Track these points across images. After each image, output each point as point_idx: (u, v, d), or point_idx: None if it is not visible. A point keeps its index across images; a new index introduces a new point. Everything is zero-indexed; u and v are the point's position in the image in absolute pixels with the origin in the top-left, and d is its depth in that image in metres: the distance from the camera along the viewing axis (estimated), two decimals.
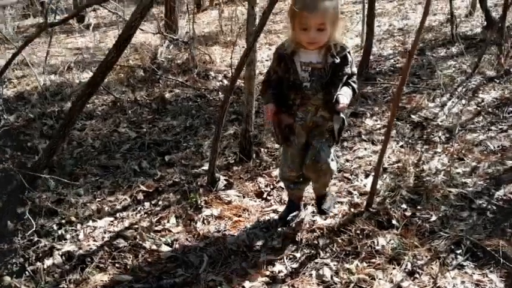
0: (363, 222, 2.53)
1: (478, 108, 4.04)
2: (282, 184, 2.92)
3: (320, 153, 2.25)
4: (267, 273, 2.24)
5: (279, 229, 2.54)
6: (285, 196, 2.79)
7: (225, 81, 5.18)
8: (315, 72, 2.12)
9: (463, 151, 3.29)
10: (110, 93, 4.49)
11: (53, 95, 4.60)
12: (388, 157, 3.28)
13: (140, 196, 2.93)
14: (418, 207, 2.68)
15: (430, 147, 3.42)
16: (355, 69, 2.21)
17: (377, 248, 2.36)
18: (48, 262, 2.33)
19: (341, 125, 2.26)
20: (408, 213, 2.62)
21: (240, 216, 2.68)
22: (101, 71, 2.44)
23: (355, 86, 2.21)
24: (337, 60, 2.08)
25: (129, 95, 4.65)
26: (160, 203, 2.86)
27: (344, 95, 2.12)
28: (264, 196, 2.86)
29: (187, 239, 2.51)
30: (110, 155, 3.49)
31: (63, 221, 2.66)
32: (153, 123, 4.04)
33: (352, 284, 2.14)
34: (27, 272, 2.26)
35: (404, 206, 2.68)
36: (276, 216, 2.66)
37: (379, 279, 2.17)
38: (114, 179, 3.15)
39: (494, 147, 3.32)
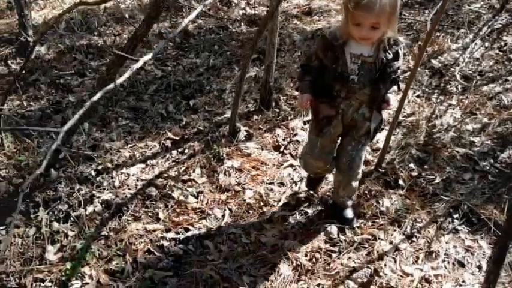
0: (371, 182, 2.76)
1: (500, 53, 4.04)
2: (298, 138, 3.14)
3: (355, 159, 2.29)
4: (281, 228, 2.53)
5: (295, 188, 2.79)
6: (300, 149, 3.00)
7: (248, 10, 5.15)
8: (365, 66, 2.02)
9: (477, 105, 3.40)
10: (134, 26, 4.57)
11: (80, 26, 4.69)
12: (404, 109, 3.40)
13: (168, 143, 3.18)
14: (425, 167, 2.88)
15: (446, 98, 3.52)
16: (401, 62, 2.12)
17: (382, 208, 2.61)
18: (89, 209, 2.66)
19: (378, 124, 2.23)
20: (415, 174, 2.83)
21: (258, 169, 2.93)
22: (131, 44, 2.56)
23: (399, 81, 2.17)
24: (390, 56, 2.00)
25: (153, 26, 4.70)
26: (186, 151, 3.11)
27: (394, 96, 2.11)
28: (281, 150, 3.07)
29: (210, 191, 2.79)
30: (138, 96, 3.69)
31: (100, 168, 2.95)
32: (177, 61, 4.17)
33: (355, 243, 2.43)
34: (71, 218, 2.60)
35: (412, 165, 2.88)
36: (290, 171, 2.89)
37: (380, 239, 2.44)
38: (143, 124, 3.38)
39: (508, 102, 3.41)
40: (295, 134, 3.18)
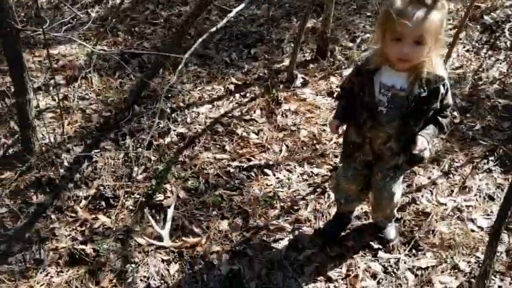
0: None
1: None
2: None
3: (383, 192, 2.14)
4: (331, 162, 2.90)
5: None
6: None
7: None
8: (396, 99, 1.79)
9: None
10: None
11: None
12: (452, 62, 3.61)
13: (231, 87, 3.56)
14: (467, 115, 3.13)
15: (494, 53, 3.69)
16: (450, 101, 1.85)
17: None
18: (167, 139, 3.11)
19: (411, 157, 1.97)
20: (457, 120, 3.09)
21: (312, 112, 3.27)
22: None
23: (444, 121, 1.88)
24: (424, 93, 1.74)
25: None
26: (248, 95, 3.49)
27: (425, 137, 1.82)
28: (334, 96, 3.39)
29: (269, 129, 3.17)
30: (204, 45, 4.06)
31: (174, 106, 3.38)
32: (239, 12, 4.48)
33: None
34: (153, 146, 3.06)
35: (455, 113, 3.14)
36: None
37: (420, 175, 2.76)
38: (209, 69, 3.77)
39: None
40: None
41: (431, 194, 2.65)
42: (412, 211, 2.55)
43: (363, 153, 2.02)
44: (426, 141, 1.82)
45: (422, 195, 2.64)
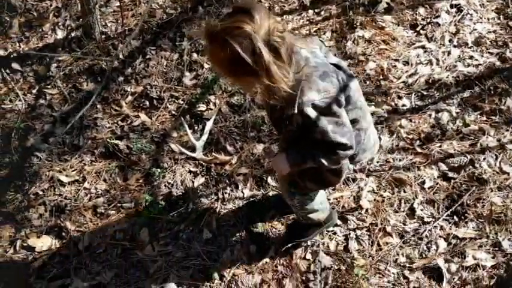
0: (500, 79, 2.64)
1: None
2: (439, 20, 3.02)
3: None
4: (392, 104, 2.62)
5: None
6: (437, 33, 2.91)
7: None
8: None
9: None
10: None
11: None
12: None
13: (307, 1, 3.26)
14: None
15: None
16: (327, 137, 1.42)
17: (502, 107, 2.53)
18: None
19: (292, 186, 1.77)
20: None
21: (387, 44, 2.93)
22: None
23: (319, 154, 1.49)
24: (275, 110, 1.45)
25: None
26: (322, 13, 3.18)
27: (285, 154, 1.57)
28: (418, 29, 2.99)
29: (334, 55, 2.89)
30: None
31: None
32: None
33: (461, 134, 2.44)
34: None
35: None
36: (420, 52, 2.85)
37: (488, 135, 2.42)
38: None
39: None
40: (438, 16, 3.04)
41: (496, 159, 2.33)
42: (467, 174, 2.27)
43: None
44: (281, 158, 1.57)
45: (484, 159, 2.32)
